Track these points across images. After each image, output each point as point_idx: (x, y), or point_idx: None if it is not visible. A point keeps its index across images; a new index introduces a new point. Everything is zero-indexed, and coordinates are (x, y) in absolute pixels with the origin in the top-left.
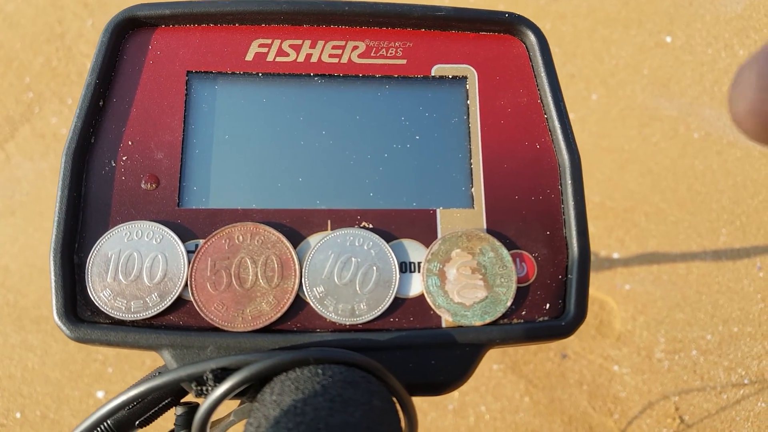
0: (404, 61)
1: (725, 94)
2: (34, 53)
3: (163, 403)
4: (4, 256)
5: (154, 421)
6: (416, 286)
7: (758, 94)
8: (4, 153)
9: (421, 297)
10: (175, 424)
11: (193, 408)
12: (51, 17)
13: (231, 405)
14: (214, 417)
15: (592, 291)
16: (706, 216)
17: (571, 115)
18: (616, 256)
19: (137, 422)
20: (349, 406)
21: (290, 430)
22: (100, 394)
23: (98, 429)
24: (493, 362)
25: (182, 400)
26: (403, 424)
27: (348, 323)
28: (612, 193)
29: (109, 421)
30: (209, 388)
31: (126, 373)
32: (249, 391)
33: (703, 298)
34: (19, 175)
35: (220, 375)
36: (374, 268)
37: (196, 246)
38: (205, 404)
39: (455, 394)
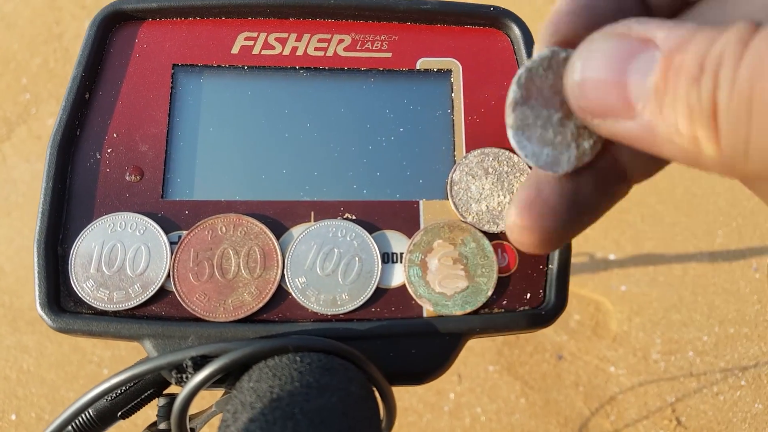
0: (389, 55)
1: None
2: (31, 54)
3: (145, 394)
4: (0, 258)
5: (135, 412)
6: (398, 276)
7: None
8: (1, 154)
9: (403, 287)
10: (157, 415)
11: (175, 399)
12: (48, 18)
13: (215, 398)
14: (197, 409)
15: (588, 292)
16: (702, 218)
17: None
18: (612, 257)
19: (119, 413)
20: (326, 391)
21: (266, 415)
22: None
23: (80, 419)
24: (489, 363)
25: (165, 392)
26: (382, 412)
27: (330, 313)
28: None
29: (90, 412)
30: (188, 376)
31: None
32: (228, 379)
33: (699, 299)
34: (16, 176)
35: (200, 362)
36: (357, 258)
37: (179, 237)
38: (183, 391)
39: (451, 395)
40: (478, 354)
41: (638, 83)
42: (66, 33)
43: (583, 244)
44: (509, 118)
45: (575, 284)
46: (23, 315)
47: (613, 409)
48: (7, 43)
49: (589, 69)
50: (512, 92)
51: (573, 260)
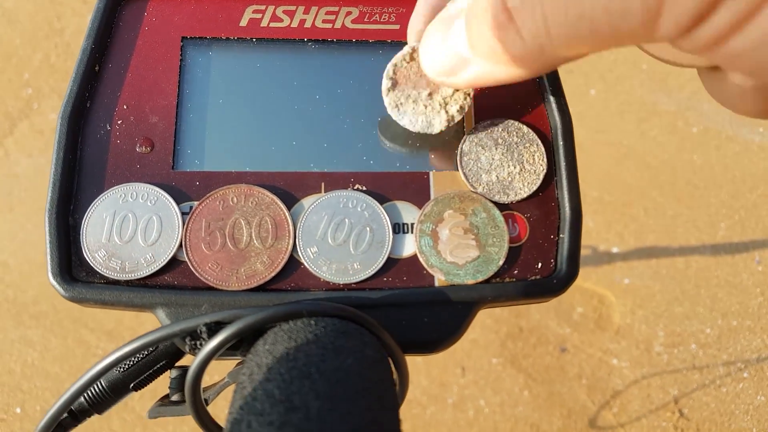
0: (397, 26)
1: None
2: (32, 49)
3: (158, 366)
4: (3, 252)
5: (148, 384)
6: (409, 246)
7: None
8: (3, 149)
9: (414, 257)
10: (169, 387)
11: (187, 370)
12: (50, 13)
13: (226, 371)
14: (209, 381)
15: (591, 285)
16: (705, 210)
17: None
18: (615, 250)
19: (132, 385)
20: (341, 353)
21: (282, 375)
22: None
23: (92, 390)
24: (493, 356)
25: (177, 364)
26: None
27: (342, 282)
28: (610, 187)
29: (103, 383)
30: (202, 343)
31: None
32: (242, 345)
33: (701, 291)
34: (18, 171)
35: (214, 329)
36: (368, 229)
37: (191, 208)
38: (198, 358)
39: (454, 387)
40: (481, 347)
41: (460, 43)
42: (67, 28)
43: (586, 237)
44: (385, 101)
45: (578, 277)
46: (27, 309)
47: (616, 401)
48: (9, 38)
49: (426, 51)
50: (384, 83)
51: None
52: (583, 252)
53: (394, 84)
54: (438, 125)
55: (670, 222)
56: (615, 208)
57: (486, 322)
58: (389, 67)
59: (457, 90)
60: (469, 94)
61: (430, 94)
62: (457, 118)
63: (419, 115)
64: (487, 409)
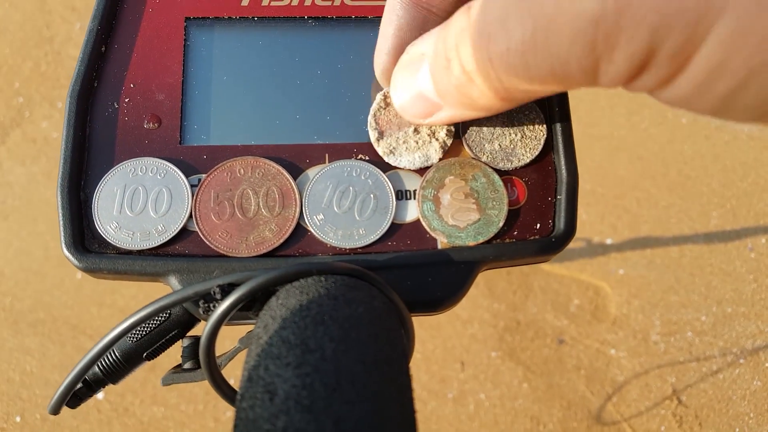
0: None
1: None
2: (22, 58)
3: (170, 335)
4: None
5: (160, 353)
6: (412, 211)
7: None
8: None
9: (417, 222)
10: (181, 356)
11: (199, 339)
12: (39, 22)
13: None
14: (221, 351)
15: (587, 277)
16: (697, 200)
17: None
18: (609, 241)
19: (144, 354)
20: (352, 303)
21: (296, 323)
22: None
23: (106, 359)
24: (491, 350)
25: (188, 334)
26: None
27: (348, 247)
28: (602, 179)
29: (116, 352)
30: (216, 305)
31: None
32: (255, 306)
33: (696, 280)
34: (12, 179)
35: (228, 290)
36: (372, 196)
37: (199, 180)
38: (213, 316)
39: (454, 382)
40: (480, 341)
41: (429, 90)
42: (57, 36)
43: (580, 229)
44: (378, 151)
45: (573, 269)
46: (25, 317)
47: (614, 391)
48: None
49: (398, 97)
50: (370, 135)
51: (570, 246)
52: (578, 244)
53: (380, 133)
54: (435, 155)
55: (662, 212)
56: (608, 200)
57: (484, 316)
58: (369, 119)
59: None
60: None
61: (415, 130)
62: (449, 141)
63: (413, 152)
64: (487, 403)
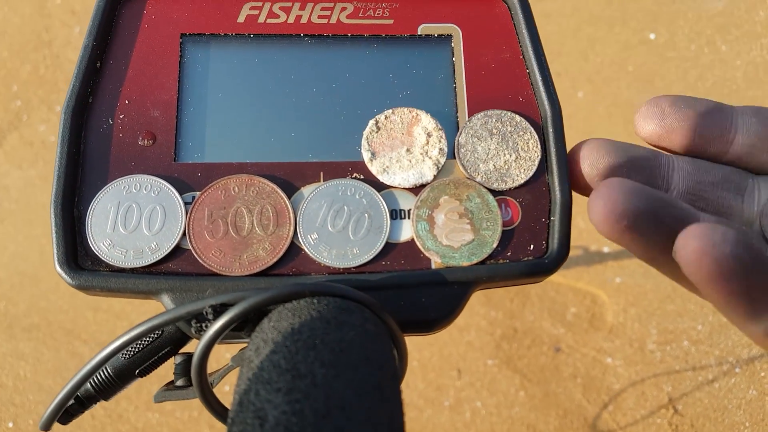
0: (391, 21)
1: (709, 89)
2: (21, 61)
3: (163, 352)
4: None
5: (153, 370)
6: (406, 231)
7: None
8: None
9: (411, 241)
10: (174, 373)
11: (191, 356)
12: (38, 25)
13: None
14: (213, 368)
15: (584, 285)
16: None
17: None
18: (606, 250)
19: (137, 371)
20: (344, 327)
21: (287, 347)
22: None
23: (98, 376)
24: (488, 358)
25: (181, 351)
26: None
27: (342, 267)
28: None
29: (109, 369)
30: (208, 324)
31: None
32: (247, 326)
33: None
34: (8, 183)
35: (220, 310)
36: (366, 215)
37: (193, 198)
38: (204, 338)
39: (450, 390)
40: (477, 349)
41: None
42: (56, 40)
43: (577, 237)
44: (372, 170)
45: (570, 277)
46: (19, 322)
47: (611, 399)
48: None
49: None
50: (364, 156)
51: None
52: (575, 252)
53: (374, 154)
54: (429, 173)
55: None
56: None
57: (481, 324)
58: (363, 141)
59: (430, 135)
60: (442, 136)
61: (408, 150)
62: (442, 160)
63: (407, 171)
64: (483, 411)
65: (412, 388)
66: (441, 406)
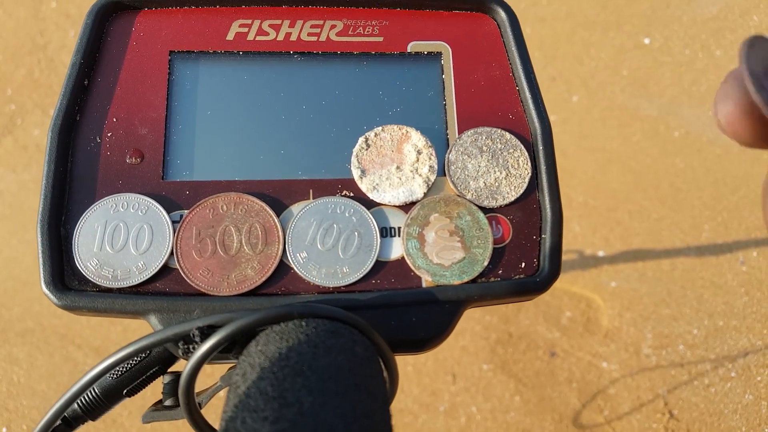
0: (381, 39)
1: (704, 93)
2: (15, 65)
3: (150, 371)
4: None
5: (141, 390)
6: (397, 249)
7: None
8: None
9: (402, 260)
10: (162, 392)
11: (180, 375)
12: (33, 29)
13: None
14: (202, 387)
15: (579, 289)
16: (689, 213)
17: (552, 117)
18: (601, 254)
19: (125, 391)
20: (332, 351)
21: (275, 373)
22: None
23: (86, 396)
24: (483, 362)
25: (169, 370)
26: (385, 379)
27: (331, 285)
28: (595, 192)
29: (96, 389)
30: (195, 347)
31: None
32: (235, 348)
33: (688, 293)
34: (2, 187)
35: (207, 332)
36: (356, 233)
37: (181, 216)
38: (191, 360)
39: (445, 395)
40: (472, 353)
41: None
42: (50, 43)
43: (572, 241)
44: (362, 188)
45: (565, 281)
46: (13, 326)
47: (606, 403)
48: None
49: None
50: (354, 173)
51: (563, 258)
52: (570, 256)
53: (363, 171)
54: (419, 190)
55: (654, 225)
56: (600, 212)
57: (475, 329)
58: (353, 159)
59: (420, 152)
60: (432, 153)
61: (398, 167)
62: (432, 177)
63: (397, 188)
64: (478, 416)
65: (406, 393)
66: (436, 411)
